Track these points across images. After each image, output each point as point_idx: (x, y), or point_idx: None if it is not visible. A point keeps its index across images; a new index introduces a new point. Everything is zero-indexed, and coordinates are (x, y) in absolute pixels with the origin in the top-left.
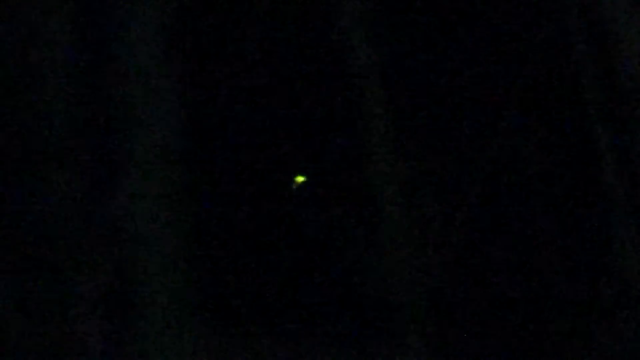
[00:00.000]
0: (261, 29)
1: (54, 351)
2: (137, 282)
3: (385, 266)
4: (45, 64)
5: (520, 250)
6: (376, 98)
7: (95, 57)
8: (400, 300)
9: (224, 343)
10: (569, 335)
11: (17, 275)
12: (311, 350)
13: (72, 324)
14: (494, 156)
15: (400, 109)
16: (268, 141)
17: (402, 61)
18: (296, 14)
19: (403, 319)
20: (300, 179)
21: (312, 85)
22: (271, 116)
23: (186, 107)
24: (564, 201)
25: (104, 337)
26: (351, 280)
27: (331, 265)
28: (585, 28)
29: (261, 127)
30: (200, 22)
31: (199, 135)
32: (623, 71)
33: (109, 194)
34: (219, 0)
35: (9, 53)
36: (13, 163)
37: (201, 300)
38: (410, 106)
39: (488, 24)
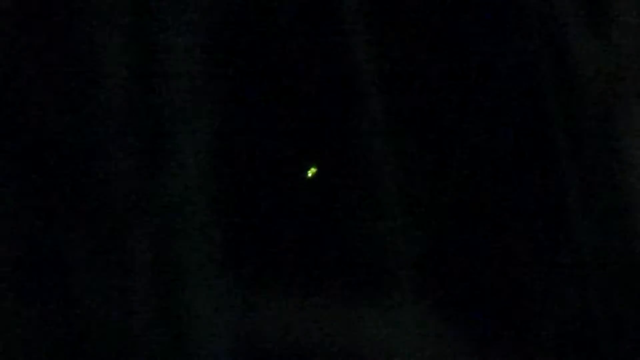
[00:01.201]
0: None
1: (99, 315)
2: (178, 248)
3: (380, 229)
4: (102, 70)
5: (494, 222)
6: (376, 96)
7: (146, 65)
8: (394, 260)
9: (252, 297)
10: (534, 294)
11: (72, 243)
12: (317, 304)
13: (118, 288)
14: (476, 149)
15: (396, 106)
16: (287, 138)
17: (400, 62)
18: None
19: (397, 276)
20: (313, 169)
21: (332, 92)
22: (293, 118)
23: (221, 109)
24: (529, 186)
25: (146, 300)
26: (350, 244)
27: (334, 234)
28: (547, 47)
29: (282, 126)
30: (243, 35)
31: (233, 130)
32: (578, 82)
33: (155, 177)
34: (260, 15)
35: (72, 61)
36: (75, 152)
37: (231, 261)
38: (405, 101)
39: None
